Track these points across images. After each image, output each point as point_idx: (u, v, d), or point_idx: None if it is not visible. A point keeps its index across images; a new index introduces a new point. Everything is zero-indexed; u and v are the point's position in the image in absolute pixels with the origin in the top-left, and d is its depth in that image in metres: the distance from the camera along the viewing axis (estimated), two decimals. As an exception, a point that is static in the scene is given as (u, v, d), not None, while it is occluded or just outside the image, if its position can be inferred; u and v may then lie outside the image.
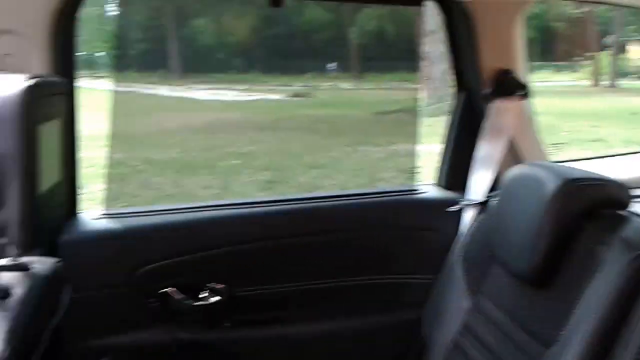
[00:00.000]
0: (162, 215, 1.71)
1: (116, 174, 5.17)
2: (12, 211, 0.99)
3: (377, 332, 1.77)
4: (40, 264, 1.16)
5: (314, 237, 1.75)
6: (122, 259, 1.62)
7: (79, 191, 1.70)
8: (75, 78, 1.62)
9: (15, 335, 0.94)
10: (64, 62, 1.56)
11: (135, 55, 9.00)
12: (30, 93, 1.02)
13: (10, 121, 0.98)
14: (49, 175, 1.15)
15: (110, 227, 1.64)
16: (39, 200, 1.08)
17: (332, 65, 9.19)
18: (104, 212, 1.67)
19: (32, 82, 1.04)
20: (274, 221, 1.74)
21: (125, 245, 1.64)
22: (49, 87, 1.17)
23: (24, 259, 1.14)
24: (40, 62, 1.48)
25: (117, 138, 5.50)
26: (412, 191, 1.87)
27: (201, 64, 8.44)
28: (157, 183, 5.30)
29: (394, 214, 1.80)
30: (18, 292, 1.07)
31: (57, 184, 1.19)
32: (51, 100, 1.17)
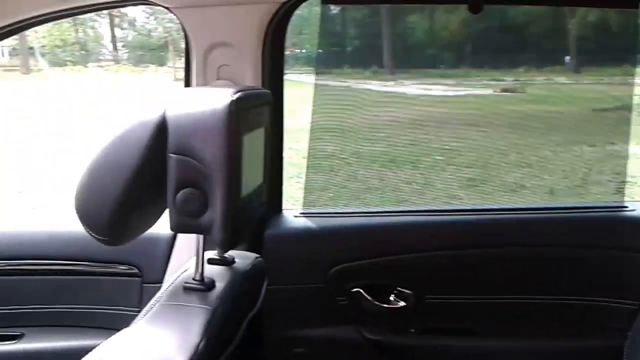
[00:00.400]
0: (357, 218, 1.84)
1: (326, 165, 5.48)
2: (217, 213, 1.12)
3: (571, 356, 1.68)
4: (243, 259, 1.36)
5: (508, 250, 1.73)
6: (318, 256, 1.78)
7: (282, 188, 1.87)
8: (282, 85, 1.80)
9: (212, 327, 1.09)
10: (273, 71, 1.74)
11: (351, 52, 9.37)
12: (237, 106, 1.11)
13: (218, 132, 1.09)
14: (253, 178, 1.27)
15: (309, 225, 1.81)
16: (242, 202, 1.18)
17: (568, 59, 8.70)
18: (304, 210, 1.84)
19: (239, 95, 1.13)
20: (466, 231, 1.76)
21: (322, 243, 1.79)
22: (255, 98, 1.27)
23: (230, 254, 1.33)
24: (251, 71, 1.66)
25: (329, 131, 5.81)
26: (621, 208, 1.74)
27: (412, 59, 8.52)
28: (363, 175, 5.51)
29: (599, 232, 1.69)
30: (220, 285, 1.24)
31: (260, 184, 1.34)
32: (257, 111, 1.28)
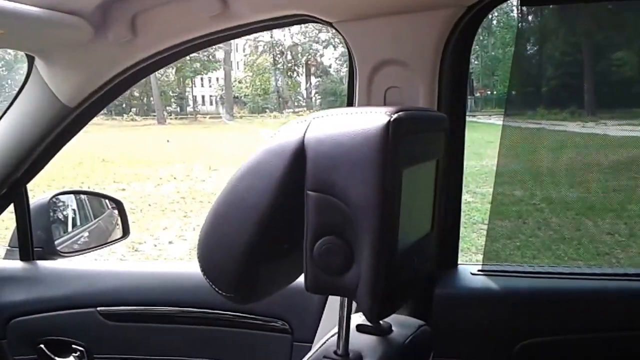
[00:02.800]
0: (553, 280, 1.48)
1: (513, 211, 5.06)
2: (363, 271, 0.87)
3: None
4: (402, 326, 1.09)
5: None
6: (501, 326, 1.43)
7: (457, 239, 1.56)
8: (464, 113, 1.52)
9: None
10: (453, 94, 1.46)
11: (546, 92, 8.80)
12: (397, 129, 0.85)
13: (368, 162, 0.84)
14: (417, 226, 1.01)
15: (490, 286, 1.44)
16: (399, 258, 0.91)
17: None
18: (485, 267, 1.52)
19: (400, 114, 0.86)
20: None
21: (506, 310, 1.43)
22: (424, 122, 1.00)
23: (387, 319, 1.07)
24: (426, 94, 1.39)
25: (518, 174, 5.40)
26: None
27: (615, 98, 7.76)
28: (556, 224, 5.01)
29: None
30: None
31: (427, 234, 1.05)
32: (426, 138, 1.00)
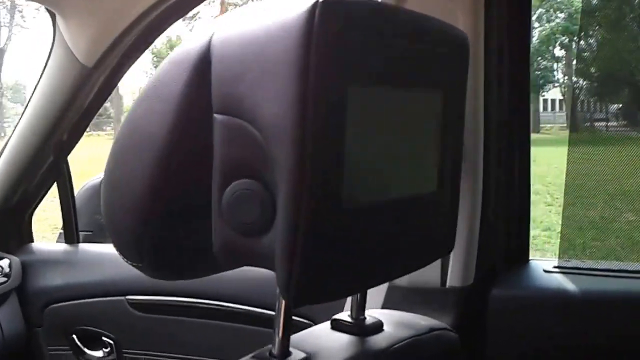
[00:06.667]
0: (627, 280, 1.24)
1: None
2: (280, 229, 0.58)
3: None
4: (404, 327, 0.80)
5: None
6: (583, 338, 1.18)
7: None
8: (527, 77, 1.31)
9: None
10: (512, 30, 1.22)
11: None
12: (326, 16, 0.55)
13: (282, 69, 0.56)
14: (398, 178, 0.70)
15: (567, 288, 1.19)
16: (350, 215, 0.63)
17: None
18: (563, 263, 1.30)
19: None
20: None
21: (590, 317, 1.17)
22: (396, 22, 0.66)
23: (382, 316, 0.84)
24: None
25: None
26: None
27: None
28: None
29: None
30: None
31: (429, 194, 0.76)
32: (401, 48, 0.67)
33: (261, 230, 0.58)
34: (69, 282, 1.69)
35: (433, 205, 0.75)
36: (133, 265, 0.66)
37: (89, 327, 1.67)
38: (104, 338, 1.65)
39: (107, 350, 1.66)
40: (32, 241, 1.82)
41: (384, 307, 1.10)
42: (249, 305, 1.48)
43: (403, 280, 1.13)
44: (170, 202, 0.63)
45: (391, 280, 0.74)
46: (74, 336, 1.68)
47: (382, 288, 1.13)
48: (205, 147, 0.61)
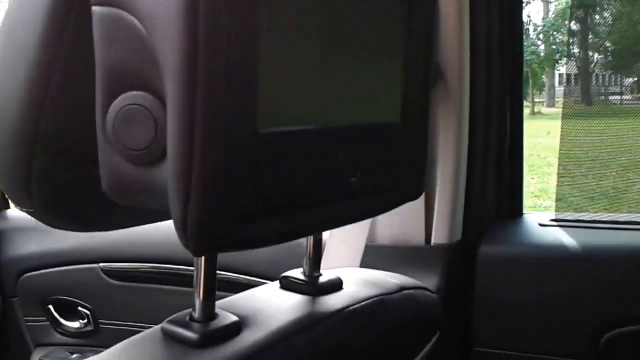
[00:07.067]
0: (630, 232, 1.13)
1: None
2: (170, 153, 0.45)
3: None
4: (370, 286, 0.70)
5: None
6: (584, 304, 1.06)
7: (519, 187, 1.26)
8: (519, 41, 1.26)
9: None
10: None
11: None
12: None
13: None
14: (342, 104, 0.57)
15: (566, 243, 1.08)
16: (267, 141, 0.49)
17: None
18: (560, 216, 1.20)
19: None
20: None
21: (595, 282, 1.06)
22: None
23: (347, 273, 0.74)
24: None
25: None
26: None
27: None
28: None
29: None
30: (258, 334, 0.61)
31: (389, 124, 0.64)
32: None
33: (154, 159, 0.46)
34: (43, 249, 1.62)
35: (393, 140, 0.62)
36: (24, 211, 0.54)
37: (65, 297, 1.61)
38: (80, 308, 1.60)
39: (84, 321, 1.61)
40: (8, 207, 1.73)
41: (361, 267, 1.00)
42: (228, 272, 1.40)
43: (384, 238, 1.05)
44: (54, 133, 0.50)
45: (340, 226, 0.63)
46: (50, 306, 1.63)
47: (360, 246, 1.04)
48: (90, 56, 0.47)
